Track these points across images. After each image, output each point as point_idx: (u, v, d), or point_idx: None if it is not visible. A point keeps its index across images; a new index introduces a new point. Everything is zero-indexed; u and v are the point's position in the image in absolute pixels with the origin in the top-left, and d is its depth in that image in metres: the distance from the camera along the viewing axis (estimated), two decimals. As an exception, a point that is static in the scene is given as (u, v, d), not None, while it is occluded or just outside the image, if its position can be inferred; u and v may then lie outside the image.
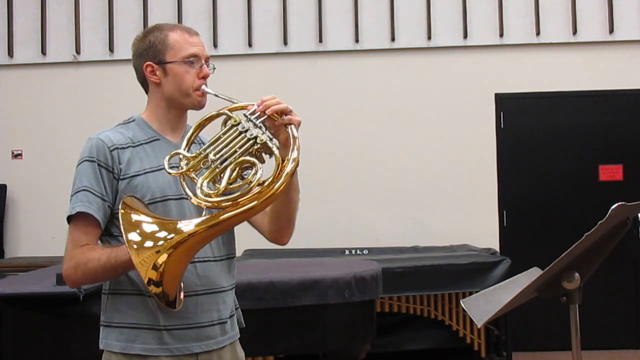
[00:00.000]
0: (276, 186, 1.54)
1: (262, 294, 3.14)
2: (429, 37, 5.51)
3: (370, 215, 5.47)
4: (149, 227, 1.54)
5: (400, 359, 4.63)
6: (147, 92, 1.85)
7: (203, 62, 1.78)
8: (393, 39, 5.54)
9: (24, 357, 2.95)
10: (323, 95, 5.53)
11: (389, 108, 5.54)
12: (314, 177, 5.28)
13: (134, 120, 1.83)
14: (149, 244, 1.50)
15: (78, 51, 5.60)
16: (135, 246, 1.49)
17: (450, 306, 4.47)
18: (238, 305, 1.92)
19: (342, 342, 3.29)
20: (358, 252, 5.19)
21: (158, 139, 1.79)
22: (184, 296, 1.67)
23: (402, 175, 5.51)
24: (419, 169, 5.51)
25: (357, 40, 5.54)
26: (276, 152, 1.60)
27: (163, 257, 1.49)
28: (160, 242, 1.51)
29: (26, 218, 5.61)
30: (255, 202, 1.53)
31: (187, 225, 1.54)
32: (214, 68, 1.82)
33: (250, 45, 5.54)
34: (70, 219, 1.70)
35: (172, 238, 1.51)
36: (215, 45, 5.48)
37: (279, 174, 1.56)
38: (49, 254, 4.98)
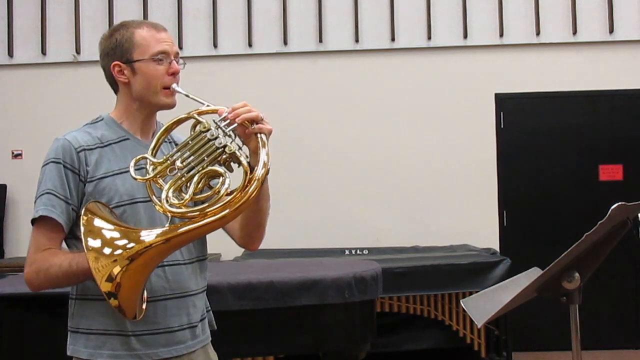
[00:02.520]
0: (246, 195, 1.51)
1: (262, 294, 3.13)
2: (429, 37, 5.51)
3: (370, 215, 5.47)
4: (110, 233, 1.50)
5: (400, 359, 4.63)
6: (116, 92, 1.80)
7: (172, 58, 1.73)
8: (393, 39, 5.54)
9: (23, 357, 2.95)
10: (323, 95, 5.52)
11: (389, 108, 5.54)
12: (314, 177, 5.28)
13: (102, 119, 1.79)
14: (107, 251, 1.47)
15: (78, 51, 5.60)
16: (94, 253, 1.46)
17: (450, 306, 4.47)
18: (210, 308, 1.88)
19: (342, 342, 3.28)
20: (358, 252, 5.19)
21: (127, 139, 1.76)
22: (153, 300, 1.65)
23: (402, 175, 5.51)
24: (419, 169, 5.51)
25: (357, 40, 5.54)
26: (244, 162, 1.56)
27: (118, 269, 1.45)
28: (119, 251, 1.47)
29: (26, 218, 5.50)
30: (225, 212, 1.50)
31: (148, 236, 1.50)
32: (184, 64, 1.78)
33: (250, 45, 5.53)
34: (33, 222, 1.68)
35: (131, 247, 1.48)
36: (215, 46, 5.44)
37: (248, 182, 1.52)
38: (49, 254, 4.97)
